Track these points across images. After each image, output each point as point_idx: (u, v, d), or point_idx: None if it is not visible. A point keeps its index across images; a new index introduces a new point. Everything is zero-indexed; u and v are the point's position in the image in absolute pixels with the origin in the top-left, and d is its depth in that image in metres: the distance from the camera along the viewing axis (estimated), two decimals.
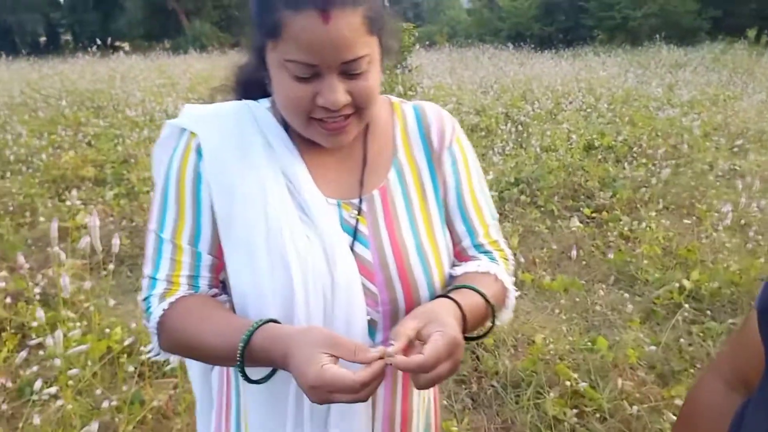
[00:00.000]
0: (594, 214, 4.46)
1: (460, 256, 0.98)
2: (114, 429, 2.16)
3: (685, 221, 4.19)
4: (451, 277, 0.95)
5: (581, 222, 4.27)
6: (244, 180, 0.86)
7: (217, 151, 0.87)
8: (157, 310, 0.85)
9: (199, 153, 0.87)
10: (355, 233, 0.89)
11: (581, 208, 4.56)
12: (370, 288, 0.87)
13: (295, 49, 0.77)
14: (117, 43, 27.51)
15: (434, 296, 0.89)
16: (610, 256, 3.68)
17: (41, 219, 4.11)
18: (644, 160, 5.48)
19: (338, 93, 0.80)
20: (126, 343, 2.56)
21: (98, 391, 2.18)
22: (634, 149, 5.89)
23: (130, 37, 29.27)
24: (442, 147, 0.96)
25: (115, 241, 2.21)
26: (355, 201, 0.90)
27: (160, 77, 9.84)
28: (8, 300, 2.86)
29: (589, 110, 7.50)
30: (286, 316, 0.82)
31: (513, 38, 20.67)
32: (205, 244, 0.87)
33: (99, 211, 4.37)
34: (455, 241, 0.97)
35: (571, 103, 7.77)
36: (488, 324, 0.91)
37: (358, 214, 0.90)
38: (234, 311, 0.88)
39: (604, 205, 4.58)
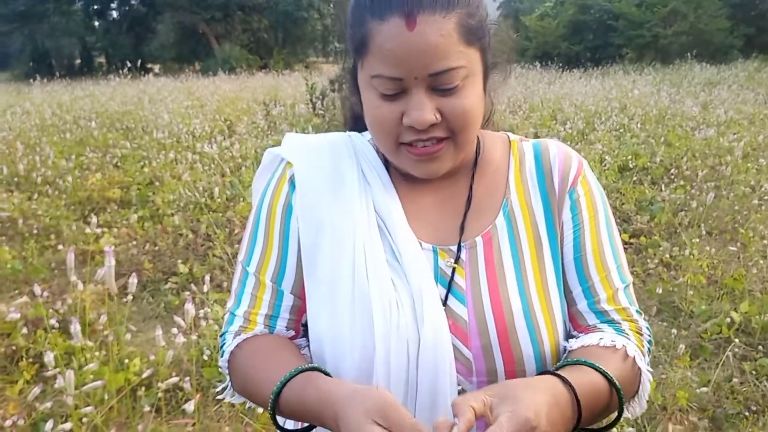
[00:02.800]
0: (632, 240, 4.26)
1: (575, 322, 0.79)
2: None
3: (730, 248, 3.97)
4: (565, 351, 0.77)
5: None
6: (333, 215, 0.79)
7: (310, 182, 0.80)
8: (229, 347, 0.79)
9: (292, 184, 0.82)
10: (449, 285, 0.76)
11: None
12: (464, 353, 0.74)
13: (380, 62, 0.70)
14: (149, 65, 28.18)
15: (542, 363, 0.74)
16: (652, 285, 3.48)
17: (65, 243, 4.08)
18: (682, 182, 5.26)
19: (425, 110, 0.70)
20: (144, 375, 2.46)
21: (113, 431, 2.07)
22: (671, 171, 5.67)
23: (161, 59, 29.94)
24: (563, 189, 0.81)
25: (132, 281, 2.12)
26: (454, 248, 0.78)
27: (189, 99, 9.93)
28: (24, 331, 2.79)
29: (621, 130, 7.30)
30: (365, 369, 0.72)
31: (540, 57, 20.49)
32: (288, 282, 0.80)
33: (123, 234, 4.33)
34: (569, 302, 0.79)
35: (603, 122, 7.58)
36: (614, 415, 0.70)
37: (455, 262, 0.77)
38: (311, 359, 0.78)
39: (642, 230, 4.38)
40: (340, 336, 0.74)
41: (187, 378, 2.29)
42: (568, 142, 6.54)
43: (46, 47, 30.68)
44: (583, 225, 0.79)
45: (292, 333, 0.82)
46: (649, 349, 0.78)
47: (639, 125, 7.48)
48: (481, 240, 0.78)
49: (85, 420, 2.19)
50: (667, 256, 3.88)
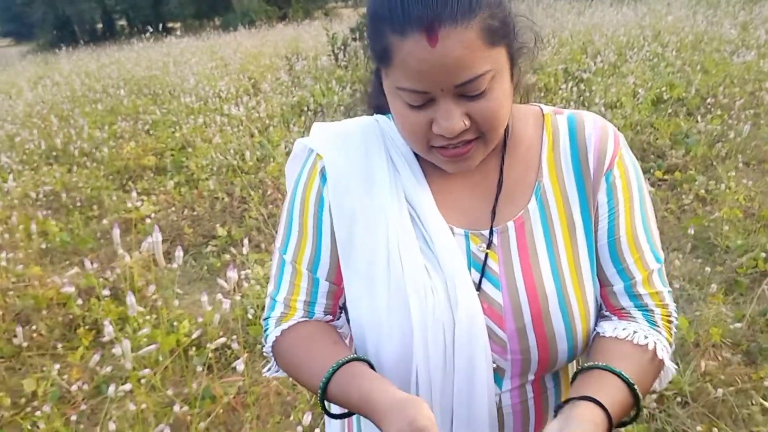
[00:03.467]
0: (666, 176, 4.19)
1: (608, 302, 0.81)
2: (187, 425, 2.21)
3: None
4: (597, 334, 0.79)
5: (652, 185, 4.02)
6: (365, 206, 0.81)
7: (341, 176, 0.82)
8: (272, 334, 0.84)
9: (323, 177, 0.83)
10: (483, 269, 0.78)
11: (652, 170, 4.28)
12: (499, 334, 0.77)
13: (404, 76, 0.70)
14: (170, 25, 28.01)
15: (574, 351, 0.78)
16: (687, 221, 3.44)
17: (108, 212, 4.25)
18: (719, 112, 5.09)
19: (454, 120, 0.70)
20: (194, 336, 2.61)
21: (169, 390, 2.22)
22: (708, 100, 5.48)
23: (181, 17, 29.71)
24: (599, 172, 0.79)
25: (178, 253, 2.22)
26: (486, 232, 0.79)
27: (212, 59, 9.91)
28: (79, 301, 2.96)
29: (655, 60, 7.02)
30: (404, 354, 0.76)
31: None
32: (323, 270, 0.83)
33: (161, 201, 4.47)
34: (603, 283, 0.80)
35: (636, 53, 7.30)
36: (632, 413, 0.73)
37: (488, 247, 0.79)
38: (353, 338, 0.84)
39: (677, 165, 4.30)
40: (379, 323, 0.77)
41: (234, 337, 2.42)
42: (599, 77, 6.35)
43: (67, 14, 30.75)
44: (618, 208, 0.78)
45: (330, 317, 0.85)
46: (674, 333, 0.81)
47: (674, 53, 7.18)
48: (513, 225, 0.79)
49: (143, 381, 2.36)
50: (703, 190, 3.82)
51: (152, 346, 2.23)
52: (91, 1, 31.27)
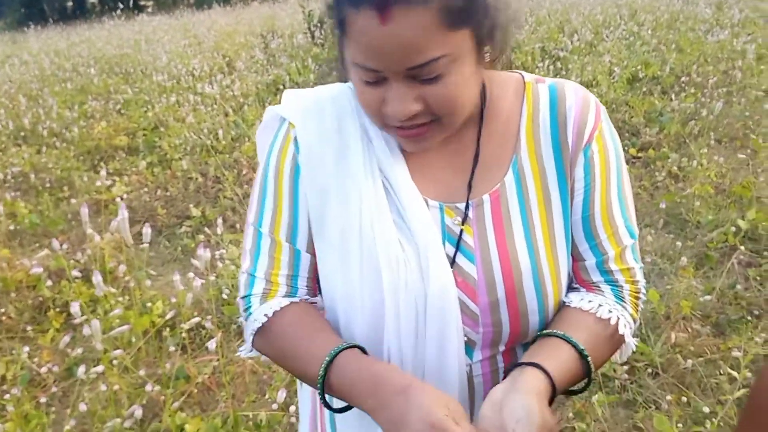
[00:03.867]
0: (640, 153, 4.23)
1: (579, 275, 0.81)
2: (160, 406, 2.19)
3: (740, 155, 3.93)
4: (563, 303, 0.80)
5: (627, 162, 4.02)
6: (338, 177, 0.78)
7: (314, 145, 0.80)
8: (259, 315, 0.79)
9: (297, 144, 0.81)
10: (458, 243, 0.77)
11: (626, 147, 4.31)
12: (471, 308, 0.76)
13: (357, 51, 0.67)
14: (141, 3, 27.30)
15: (545, 324, 0.78)
16: (659, 198, 3.48)
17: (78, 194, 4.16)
18: (693, 90, 5.14)
19: (405, 103, 0.68)
20: (168, 317, 2.58)
21: (142, 371, 2.20)
22: (682, 79, 5.53)
23: None
24: (578, 145, 0.76)
25: (146, 230, 2.18)
26: (461, 205, 0.77)
27: (185, 36, 9.70)
28: (49, 282, 2.91)
29: (631, 38, 7.05)
30: (376, 325, 0.76)
31: None
32: (302, 241, 0.81)
33: (133, 181, 4.39)
34: (575, 258, 0.80)
35: (612, 32, 7.32)
36: (582, 383, 0.75)
37: (463, 221, 0.77)
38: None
39: (651, 143, 4.34)
40: (352, 294, 0.76)
41: (209, 317, 2.40)
42: (575, 56, 6.36)
43: None
44: (594, 183, 0.76)
45: (312, 297, 0.83)
46: (640, 310, 0.81)
47: (650, 32, 7.22)
48: (488, 198, 0.77)
49: (115, 362, 2.33)
50: (676, 167, 3.86)
51: (124, 327, 2.20)
52: None
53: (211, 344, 2.05)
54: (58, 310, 2.85)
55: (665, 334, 2.39)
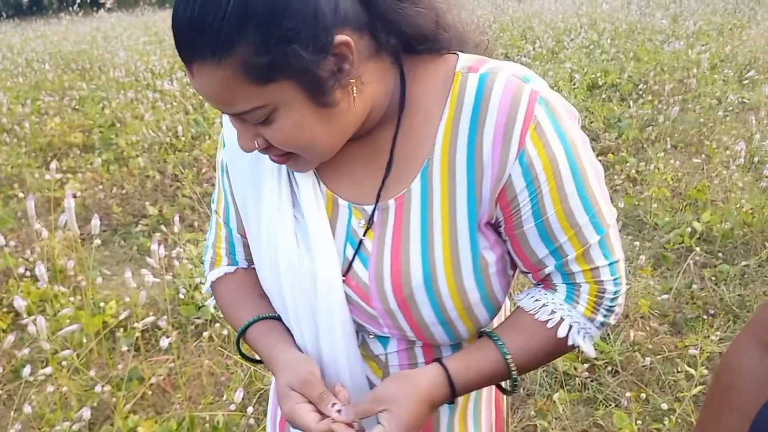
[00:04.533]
0: (600, 157, 4.30)
1: (537, 275, 0.76)
2: (112, 408, 2.10)
3: (695, 160, 4.04)
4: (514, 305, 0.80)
5: None
6: (252, 173, 0.80)
7: (234, 141, 0.76)
8: (209, 278, 0.91)
9: (224, 141, 0.85)
10: (358, 248, 0.74)
11: None
12: (369, 311, 0.75)
13: None
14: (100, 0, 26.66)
15: (454, 334, 0.75)
16: (618, 200, 3.55)
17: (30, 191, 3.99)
18: (650, 97, 5.28)
19: (242, 140, 0.68)
20: (121, 317, 2.48)
21: (92, 372, 2.11)
22: (640, 86, 5.67)
23: None
24: (504, 151, 0.66)
25: (95, 222, 2.10)
26: (369, 208, 0.74)
27: (146, 34, 9.50)
28: None
29: (591, 47, 7.22)
30: (282, 311, 0.81)
31: None
32: (234, 223, 0.87)
33: (88, 179, 4.24)
34: (535, 267, 0.74)
35: (573, 40, 7.48)
36: (508, 384, 0.76)
37: (368, 225, 0.74)
38: None
39: (610, 147, 4.43)
40: (264, 278, 0.82)
41: (164, 317, 2.31)
42: (537, 62, 6.46)
43: None
44: (542, 188, 0.67)
45: (253, 265, 0.88)
46: (610, 306, 0.74)
47: (609, 41, 7.40)
48: (394, 204, 0.72)
49: (64, 363, 2.23)
50: (634, 171, 3.95)
51: (74, 326, 2.11)
52: None
53: (164, 342, 1.98)
54: (4, 310, 2.72)
55: (624, 332, 2.43)
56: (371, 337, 0.79)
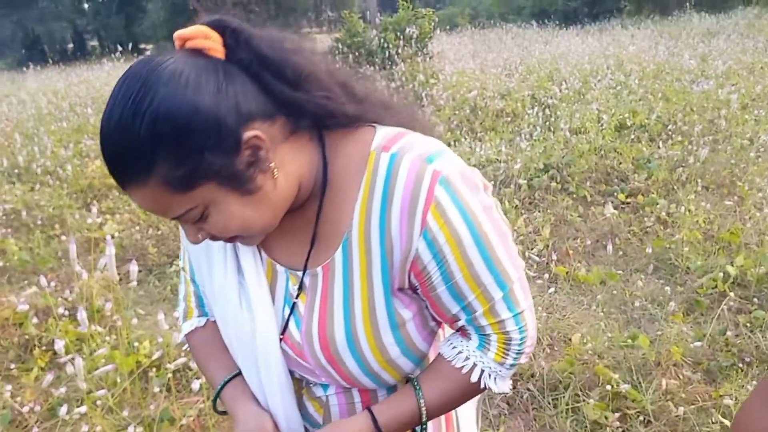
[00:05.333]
0: (629, 199, 4.28)
1: (453, 326, 0.85)
2: None
3: (726, 202, 3.98)
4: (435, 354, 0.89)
5: (616, 208, 4.10)
6: (203, 246, 0.88)
7: None
8: (183, 329, 1.00)
9: None
10: (292, 309, 0.84)
11: (615, 193, 4.38)
12: (304, 364, 0.85)
13: None
14: (141, 46, 27.86)
15: (381, 382, 0.85)
16: (648, 243, 3.51)
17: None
18: (680, 138, 5.25)
19: (189, 234, 0.75)
20: (154, 357, 2.54)
21: (125, 412, 2.15)
22: (669, 127, 5.65)
23: (153, 38, 29.61)
24: (410, 227, 0.73)
25: (133, 268, 2.18)
26: (300, 274, 0.82)
27: None
28: (35, 320, 2.87)
29: (619, 87, 7.23)
30: (234, 359, 0.92)
31: (537, 15, 20.18)
32: (198, 279, 0.93)
33: (125, 220, 4.39)
34: (452, 320, 0.82)
35: (600, 81, 7.51)
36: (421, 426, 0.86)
37: (300, 288, 0.83)
38: None
39: (640, 189, 4.40)
40: (222, 334, 0.92)
41: None
42: (564, 104, 6.50)
43: (37, 33, 30.38)
44: (447, 258, 0.74)
45: None
46: (519, 350, 0.82)
47: (636, 81, 7.41)
48: (321, 271, 0.80)
49: (99, 402, 2.28)
50: (664, 213, 3.91)
51: (109, 366, 2.17)
52: (62, 20, 31.01)
53: (195, 384, 2.02)
54: (43, 348, 2.80)
55: (656, 380, 2.38)
56: (312, 383, 0.89)
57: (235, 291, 0.85)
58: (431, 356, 0.89)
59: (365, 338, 0.79)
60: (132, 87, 0.64)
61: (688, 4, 16.43)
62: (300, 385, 0.90)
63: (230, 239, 0.77)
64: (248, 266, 0.84)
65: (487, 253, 0.75)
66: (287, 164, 0.73)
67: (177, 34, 0.70)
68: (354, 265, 0.78)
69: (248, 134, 0.67)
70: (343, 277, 0.79)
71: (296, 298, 0.83)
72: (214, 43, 0.69)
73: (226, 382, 0.91)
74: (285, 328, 0.84)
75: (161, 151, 0.64)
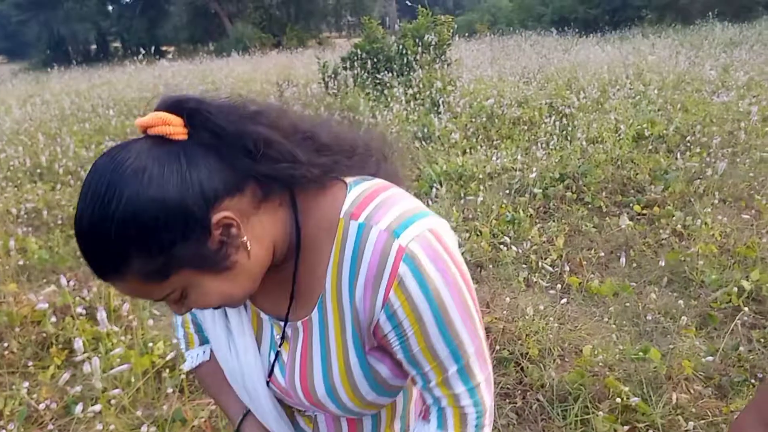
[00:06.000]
0: (645, 210, 4.25)
1: (422, 400, 0.88)
2: None
3: (744, 216, 3.94)
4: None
5: (631, 219, 4.08)
6: None
7: None
8: (188, 359, 1.05)
9: None
10: (277, 355, 0.89)
11: (631, 204, 4.36)
12: (289, 401, 0.92)
13: None
14: (163, 48, 28.22)
15: (359, 413, 0.89)
16: (663, 256, 3.49)
17: None
18: (698, 150, 5.20)
19: (173, 309, 0.78)
20: (168, 357, 2.59)
21: (139, 411, 2.19)
22: (688, 138, 5.60)
23: (175, 41, 30.01)
24: (373, 299, 0.75)
25: None
26: (282, 324, 0.86)
27: (203, 82, 10.00)
28: (53, 319, 2.93)
29: (638, 97, 7.19)
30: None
31: (557, 23, 20.10)
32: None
33: None
34: (413, 379, 0.85)
35: (618, 90, 7.47)
36: None
37: (282, 337, 0.87)
38: None
39: (656, 200, 4.37)
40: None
41: None
42: (582, 113, 6.48)
43: (62, 34, 30.92)
44: (407, 333, 0.76)
45: None
46: (476, 426, 0.83)
47: (656, 92, 7.36)
48: (301, 325, 0.84)
49: (113, 402, 2.33)
50: (680, 226, 3.88)
51: (124, 366, 2.22)
52: (87, 22, 31.51)
53: None
54: (60, 346, 2.86)
55: (667, 394, 2.37)
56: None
57: (223, 334, 0.91)
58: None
59: (344, 390, 0.83)
60: (98, 190, 0.65)
61: (710, 13, 16.22)
62: (291, 408, 0.96)
63: (216, 307, 0.80)
64: (233, 316, 0.89)
65: (446, 328, 0.76)
66: (260, 233, 0.75)
67: (138, 122, 0.71)
68: (329, 326, 0.81)
69: (218, 216, 0.68)
70: (320, 336, 0.82)
71: (280, 346, 0.87)
72: (174, 128, 0.69)
73: (244, 416, 0.99)
74: (272, 371, 0.89)
75: (132, 250, 0.66)
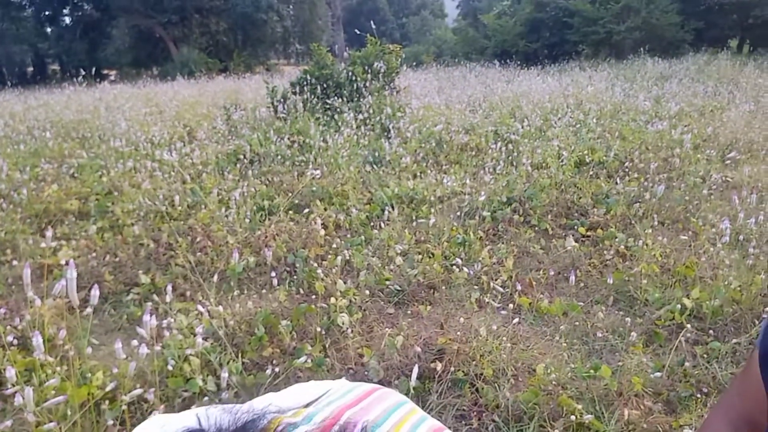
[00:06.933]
0: (589, 232, 4.38)
1: None
2: None
3: (682, 237, 4.12)
4: None
5: (576, 241, 4.19)
6: None
7: None
8: None
9: None
10: None
11: (576, 227, 4.48)
12: None
13: None
14: (105, 71, 27.49)
15: None
16: (608, 275, 3.58)
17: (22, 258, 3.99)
18: (636, 175, 5.44)
19: None
20: (108, 388, 2.44)
21: None
22: (626, 164, 5.85)
23: (117, 65, 29.31)
24: None
25: (94, 293, 2.10)
26: None
27: (147, 105, 9.75)
28: None
29: (578, 125, 7.48)
30: None
31: (499, 56, 20.82)
32: None
33: (81, 246, 4.25)
34: None
35: (560, 119, 7.75)
36: None
37: None
38: None
39: (599, 223, 4.51)
40: None
41: (152, 389, 2.27)
42: (526, 140, 6.67)
43: None
44: None
45: None
46: None
47: (595, 120, 7.68)
48: None
49: None
50: (623, 247, 4.01)
51: (60, 398, 2.07)
52: (23, 43, 30.43)
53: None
54: None
55: (618, 410, 2.40)
56: None
57: None
58: None
59: None
60: None
61: (642, 49, 17.20)
62: None
63: None
64: None
65: None
66: None
67: None
68: None
69: None
70: None
71: None
72: None
73: None
74: None
75: None
